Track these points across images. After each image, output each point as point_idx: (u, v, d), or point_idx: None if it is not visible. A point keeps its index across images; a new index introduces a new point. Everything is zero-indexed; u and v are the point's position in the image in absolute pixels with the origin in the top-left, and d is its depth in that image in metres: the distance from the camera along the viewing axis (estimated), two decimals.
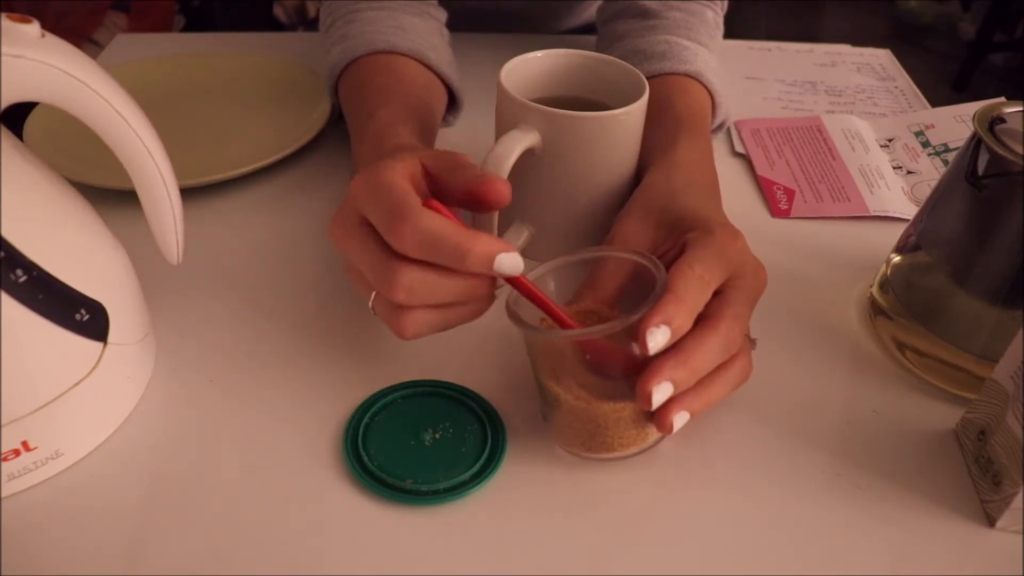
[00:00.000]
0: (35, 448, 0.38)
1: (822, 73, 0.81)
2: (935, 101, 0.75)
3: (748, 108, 0.74)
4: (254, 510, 0.38)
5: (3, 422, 0.36)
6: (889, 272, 0.50)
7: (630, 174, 0.52)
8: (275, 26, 1.74)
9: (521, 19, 0.86)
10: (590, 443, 0.39)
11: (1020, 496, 0.37)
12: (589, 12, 0.88)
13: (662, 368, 0.36)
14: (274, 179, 0.61)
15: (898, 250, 0.50)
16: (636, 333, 0.36)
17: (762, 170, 0.65)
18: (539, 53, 0.52)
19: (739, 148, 0.67)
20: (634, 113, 0.49)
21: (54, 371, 0.38)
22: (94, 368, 0.39)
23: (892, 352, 0.48)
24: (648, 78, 0.50)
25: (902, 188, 0.63)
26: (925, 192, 0.60)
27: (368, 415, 0.42)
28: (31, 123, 0.62)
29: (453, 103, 0.64)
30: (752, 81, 0.79)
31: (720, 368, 0.39)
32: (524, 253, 0.53)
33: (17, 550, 0.36)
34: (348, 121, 0.57)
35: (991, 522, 0.39)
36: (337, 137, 0.65)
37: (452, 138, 0.65)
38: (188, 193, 0.51)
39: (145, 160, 0.39)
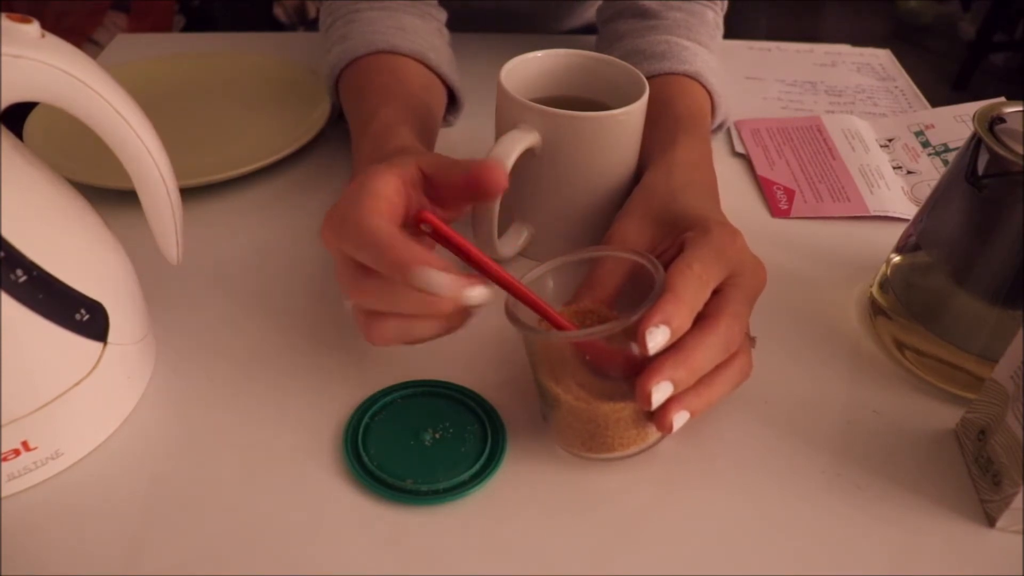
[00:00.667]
0: (35, 448, 0.38)
1: (822, 73, 0.81)
2: (935, 101, 0.75)
3: (748, 108, 0.74)
4: (254, 510, 0.38)
5: (3, 422, 0.36)
6: (889, 272, 0.50)
7: (630, 174, 0.52)
8: (275, 26, 1.74)
9: (521, 19, 0.86)
10: (590, 443, 0.39)
11: (1020, 496, 0.37)
12: (589, 12, 0.88)
13: (662, 368, 0.36)
14: (274, 179, 0.61)
15: (898, 250, 0.50)
16: (635, 333, 0.36)
17: (762, 170, 0.65)
18: (539, 53, 0.53)
19: (739, 148, 0.67)
20: (634, 113, 0.49)
21: (54, 371, 0.38)
22: (94, 368, 0.39)
23: (892, 352, 0.48)
24: (648, 78, 0.50)
25: (902, 188, 0.63)
26: (925, 192, 0.60)
27: (368, 415, 0.42)
28: (31, 123, 0.62)
29: (453, 103, 0.64)
30: (752, 81, 0.79)
31: (720, 367, 0.39)
32: (524, 253, 0.53)
33: (17, 550, 0.36)
34: (349, 121, 0.57)
35: (991, 522, 0.39)
36: (337, 137, 0.65)
37: (452, 138, 0.65)
38: (188, 193, 0.51)
39: (145, 160, 0.39)
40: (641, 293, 0.38)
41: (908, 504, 0.40)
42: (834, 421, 0.44)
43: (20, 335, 0.36)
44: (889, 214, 0.60)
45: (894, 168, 0.65)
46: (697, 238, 0.40)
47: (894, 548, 0.38)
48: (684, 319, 0.36)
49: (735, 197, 0.59)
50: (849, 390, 0.46)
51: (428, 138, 0.53)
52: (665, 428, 0.37)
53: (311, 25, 1.76)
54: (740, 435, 0.43)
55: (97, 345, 0.39)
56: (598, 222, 0.51)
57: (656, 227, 0.44)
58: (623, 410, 0.38)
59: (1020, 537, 0.39)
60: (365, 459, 0.40)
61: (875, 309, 0.50)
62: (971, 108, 0.64)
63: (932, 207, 0.47)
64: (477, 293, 0.35)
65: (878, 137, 0.69)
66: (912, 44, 2.74)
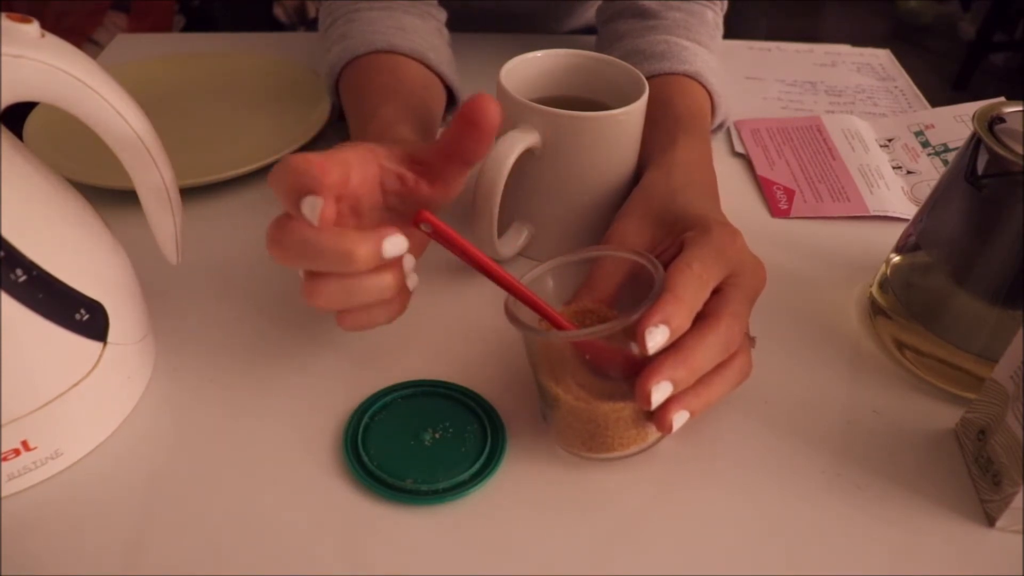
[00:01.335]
0: (35, 448, 0.38)
1: (822, 73, 0.81)
2: (935, 101, 0.75)
3: (748, 108, 0.74)
4: (254, 510, 0.38)
5: (3, 422, 0.36)
6: (889, 272, 0.50)
7: (630, 174, 0.52)
8: (275, 26, 1.74)
9: (522, 19, 0.86)
10: (590, 443, 0.39)
11: (1020, 496, 0.37)
12: (590, 13, 0.88)
13: (661, 367, 0.36)
14: None
15: (898, 250, 0.50)
16: (635, 333, 0.36)
17: (762, 170, 0.65)
18: (539, 53, 0.53)
19: (739, 148, 0.67)
20: (634, 113, 0.49)
21: (54, 371, 0.38)
22: (94, 368, 0.39)
23: (892, 352, 0.48)
24: (648, 78, 0.50)
25: (902, 188, 0.63)
26: (925, 192, 0.60)
27: (368, 415, 0.42)
28: (31, 123, 0.63)
29: (453, 103, 0.64)
30: (752, 81, 0.79)
31: (719, 367, 0.39)
32: (524, 253, 0.53)
33: (17, 550, 0.36)
34: (348, 120, 0.57)
35: (991, 522, 0.39)
36: (337, 137, 0.65)
37: None
38: (188, 193, 0.51)
39: (145, 160, 0.39)
40: (641, 293, 0.38)
41: (908, 504, 0.40)
42: (834, 421, 0.44)
43: (20, 335, 0.36)
44: (889, 214, 0.60)
45: (894, 168, 0.65)
46: (697, 238, 0.40)
47: (894, 548, 0.38)
48: (684, 319, 0.36)
49: (735, 197, 0.59)
50: (849, 390, 0.46)
51: (427, 137, 0.53)
52: (665, 428, 0.37)
53: (311, 25, 1.76)
54: (740, 435, 0.43)
55: (97, 345, 0.39)
56: (598, 222, 0.51)
57: (656, 227, 0.44)
58: (623, 410, 0.38)
59: (1020, 537, 0.39)
60: (365, 459, 0.40)
61: (875, 309, 0.50)
62: (971, 108, 0.64)
63: (932, 207, 0.47)
64: (391, 243, 0.36)
65: (878, 137, 0.69)
66: (912, 44, 2.74)
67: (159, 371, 0.45)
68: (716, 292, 0.39)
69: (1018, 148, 0.41)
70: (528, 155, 0.47)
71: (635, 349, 0.36)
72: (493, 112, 0.38)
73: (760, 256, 0.42)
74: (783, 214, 0.60)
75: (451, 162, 0.41)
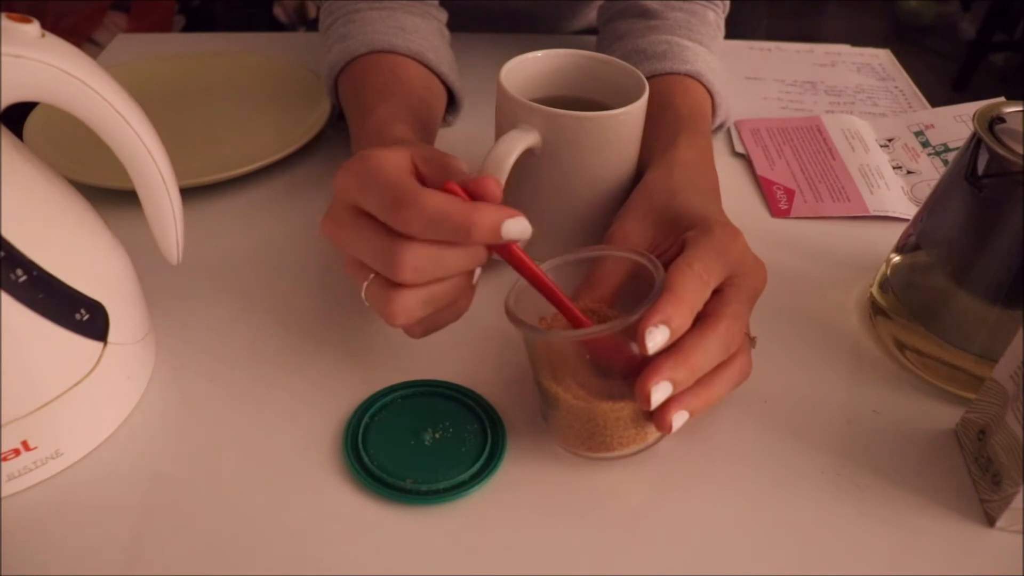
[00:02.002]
0: (35, 448, 0.38)
1: (822, 73, 0.81)
2: (935, 101, 0.75)
3: (748, 108, 0.74)
4: (254, 510, 0.38)
5: (3, 422, 0.36)
6: (889, 272, 0.50)
7: (630, 174, 0.52)
8: (275, 26, 1.74)
9: (523, 19, 0.86)
10: (590, 443, 0.39)
11: (1020, 496, 0.37)
12: (592, 15, 0.88)
13: (661, 367, 0.36)
14: (274, 179, 0.61)
15: (898, 250, 0.50)
16: (635, 333, 0.36)
17: (762, 170, 0.65)
18: (539, 53, 0.52)
19: (739, 148, 0.67)
20: (634, 113, 0.49)
21: (54, 371, 0.38)
22: (94, 368, 0.39)
23: (892, 352, 0.48)
24: (648, 78, 0.50)
25: (902, 188, 0.63)
26: (925, 192, 0.60)
27: (368, 415, 0.42)
28: (31, 123, 0.63)
29: (453, 103, 0.64)
30: (752, 81, 0.79)
31: (719, 367, 0.39)
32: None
33: (17, 550, 0.36)
34: (348, 120, 0.57)
35: (991, 522, 0.39)
36: (337, 137, 0.65)
37: (452, 138, 0.65)
38: (188, 193, 0.51)
39: (145, 160, 0.39)
40: (642, 293, 0.38)
41: (908, 504, 0.40)
42: (834, 421, 0.44)
43: (20, 335, 0.36)
44: (889, 214, 0.60)
45: (894, 168, 0.65)
46: (698, 238, 0.40)
47: (894, 548, 0.38)
48: (684, 319, 0.36)
49: (735, 197, 0.59)
50: (849, 390, 0.46)
51: (427, 136, 0.53)
52: (664, 428, 0.37)
53: (311, 25, 1.76)
54: (740, 435, 0.43)
55: (97, 345, 0.39)
56: (598, 222, 0.51)
57: (657, 227, 0.44)
58: (622, 409, 0.38)
59: (1020, 537, 0.39)
60: (365, 459, 0.40)
61: (875, 309, 0.50)
62: (971, 108, 0.64)
63: (932, 207, 0.47)
64: (515, 225, 0.36)
65: (878, 137, 0.69)
66: (912, 44, 2.74)
67: (159, 371, 0.45)
68: (717, 292, 0.39)
69: (1018, 148, 0.41)
70: (528, 155, 0.47)
71: (635, 349, 0.36)
72: (496, 194, 0.38)
73: (760, 256, 0.42)
74: (783, 214, 0.60)
75: None
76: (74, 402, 0.39)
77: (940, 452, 0.43)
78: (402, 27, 0.60)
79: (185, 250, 0.43)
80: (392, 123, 0.49)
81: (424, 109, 0.54)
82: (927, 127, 0.69)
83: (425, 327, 0.41)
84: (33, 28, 0.35)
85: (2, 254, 0.34)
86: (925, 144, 0.67)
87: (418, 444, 0.41)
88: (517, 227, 0.37)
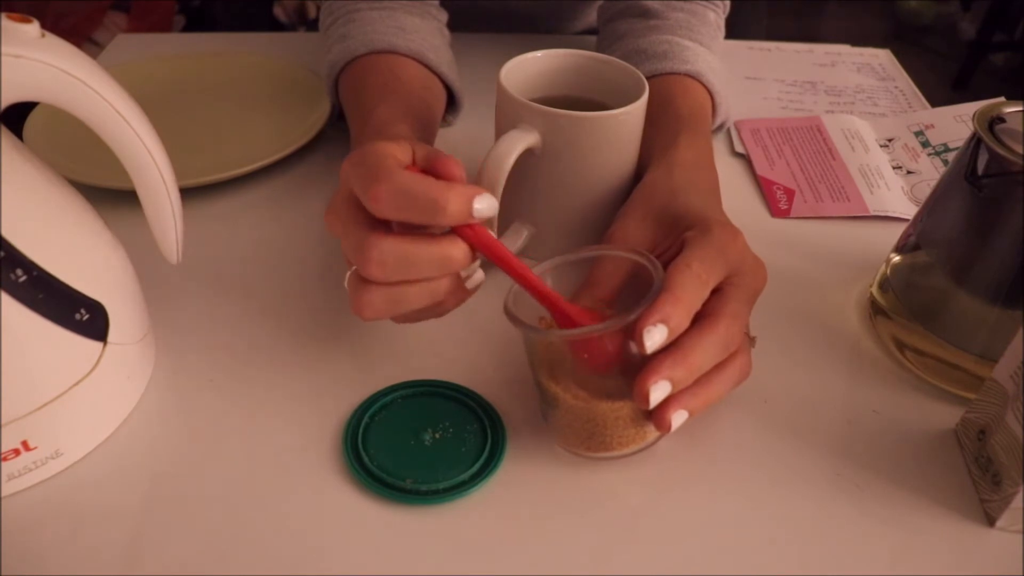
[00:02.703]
0: (35, 448, 0.38)
1: (822, 73, 0.81)
2: (935, 101, 0.75)
3: (748, 108, 0.73)
4: (254, 510, 0.38)
5: (3, 422, 0.36)
6: (889, 272, 0.50)
7: (630, 174, 0.52)
8: (275, 26, 1.74)
9: (524, 20, 0.86)
10: (589, 442, 0.39)
11: (1020, 496, 0.37)
12: (592, 16, 0.88)
13: (660, 367, 0.36)
14: (274, 179, 0.61)
15: (898, 250, 0.50)
16: (634, 332, 0.36)
17: (762, 170, 0.65)
18: (539, 53, 0.52)
19: (739, 148, 0.67)
20: (634, 113, 0.49)
21: (54, 371, 0.38)
22: (94, 368, 0.39)
23: (892, 352, 0.48)
24: (648, 78, 0.50)
25: (902, 188, 0.63)
26: (925, 192, 0.60)
27: (368, 415, 0.42)
28: (31, 123, 0.63)
29: (453, 103, 0.64)
30: (752, 81, 0.79)
31: (719, 366, 0.39)
32: (524, 253, 0.53)
33: (17, 550, 0.36)
34: (348, 120, 0.57)
35: (991, 522, 0.39)
36: (337, 137, 0.65)
37: (452, 138, 0.65)
38: (188, 193, 0.51)
39: (145, 160, 0.39)
40: (641, 293, 0.38)
41: (908, 504, 0.40)
42: (834, 421, 0.44)
43: (20, 335, 0.36)
44: (889, 214, 0.60)
45: (894, 168, 0.65)
46: (697, 237, 0.40)
47: (894, 548, 0.38)
48: (682, 318, 0.36)
49: (735, 197, 0.59)
50: (849, 390, 0.46)
51: (427, 136, 0.53)
52: (664, 427, 0.37)
53: (311, 25, 1.76)
54: (739, 435, 0.43)
55: (97, 345, 0.39)
56: (598, 222, 0.51)
57: (657, 226, 0.44)
58: (622, 409, 0.38)
59: (1020, 537, 0.39)
60: (365, 459, 0.40)
61: (875, 309, 0.50)
62: (971, 108, 0.64)
63: (932, 207, 0.47)
64: (484, 201, 0.36)
65: (878, 137, 0.69)
66: (912, 44, 2.74)
67: (159, 371, 0.45)
68: (716, 292, 0.39)
69: (1018, 148, 0.41)
70: (528, 155, 0.47)
71: (634, 348, 0.36)
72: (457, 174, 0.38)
73: (760, 256, 0.42)
74: (783, 214, 0.60)
75: None
76: (74, 402, 0.39)
77: (940, 452, 0.43)
78: (402, 27, 0.60)
79: (185, 250, 0.43)
80: (393, 123, 0.49)
81: (424, 109, 0.54)
82: (927, 127, 0.69)
83: (403, 319, 0.41)
84: (33, 28, 0.35)
85: (2, 254, 0.34)
86: (925, 144, 0.67)
87: (418, 444, 0.41)
88: (485, 203, 0.37)
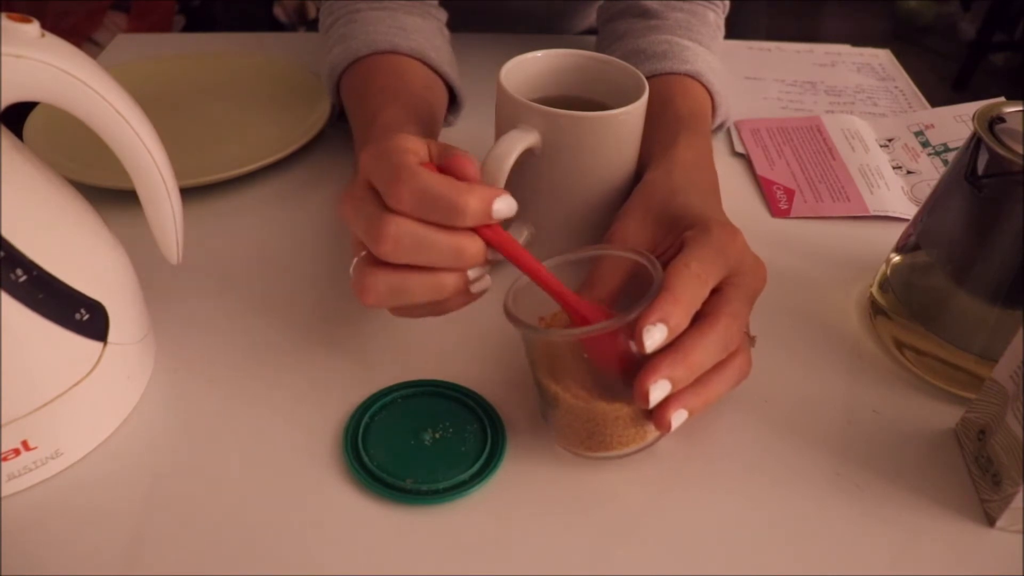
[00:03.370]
0: (35, 448, 0.38)
1: (822, 73, 0.81)
2: (935, 101, 0.75)
3: (748, 108, 0.74)
4: (254, 510, 0.38)
5: (3, 422, 0.36)
6: (889, 272, 0.50)
7: (630, 174, 0.52)
8: (275, 26, 1.74)
9: (523, 20, 0.86)
10: (589, 442, 0.39)
11: (1020, 496, 0.37)
12: (592, 17, 0.88)
13: (659, 366, 0.36)
14: (274, 179, 0.61)
15: (898, 250, 0.50)
16: (633, 331, 0.36)
17: (762, 170, 0.65)
18: (539, 53, 0.52)
19: (739, 148, 0.67)
20: (634, 113, 0.49)
21: (54, 371, 0.38)
22: (94, 368, 0.39)
23: (892, 352, 0.48)
24: (648, 78, 0.50)
25: (902, 188, 0.63)
26: (925, 192, 0.60)
27: (368, 415, 0.42)
28: (31, 123, 0.63)
29: (453, 103, 0.64)
30: (752, 81, 0.79)
31: (718, 366, 0.39)
32: None
33: (17, 550, 0.36)
34: (351, 121, 0.57)
35: (991, 522, 0.39)
36: (337, 138, 0.65)
37: (452, 138, 0.64)
38: (188, 193, 0.51)
39: (145, 160, 0.39)
40: (641, 292, 0.38)
41: (908, 504, 0.40)
42: (834, 421, 0.44)
43: (20, 335, 0.36)
44: (889, 214, 0.60)
45: (894, 168, 0.65)
46: (697, 237, 0.40)
47: (894, 548, 0.38)
48: (681, 317, 0.36)
49: (735, 197, 0.59)
50: (849, 390, 0.46)
51: (431, 136, 0.53)
52: (663, 427, 0.37)
53: (311, 25, 1.76)
54: (740, 435, 0.43)
55: (97, 345, 0.39)
56: (598, 222, 0.51)
57: (656, 226, 0.44)
58: (621, 409, 0.38)
59: (1020, 537, 0.39)
60: (365, 459, 0.40)
61: (875, 309, 0.50)
62: (971, 108, 0.64)
63: (932, 207, 0.47)
64: (503, 203, 0.37)
65: (878, 137, 0.69)
66: (912, 44, 2.74)
67: (159, 371, 0.45)
68: (716, 291, 0.39)
69: (1018, 148, 0.41)
70: (528, 155, 0.47)
71: (634, 348, 0.36)
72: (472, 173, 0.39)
73: (760, 256, 0.42)
74: (783, 214, 0.60)
75: None
76: (74, 402, 0.39)
77: (940, 452, 0.43)
78: (403, 27, 0.60)
79: (185, 250, 0.43)
80: (399, 125, 0.49)
81: (427, 109, 0.54)
82: (927, 127, 0.69)
83: (403, 312, 0.41)
84: (33, 28, 0.35)
85: (2, 254, 0.34)
86: (925, 144, 0.67)
87: (418, 444, 0.41)
88: (505, 204, 0.37)
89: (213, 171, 0.58)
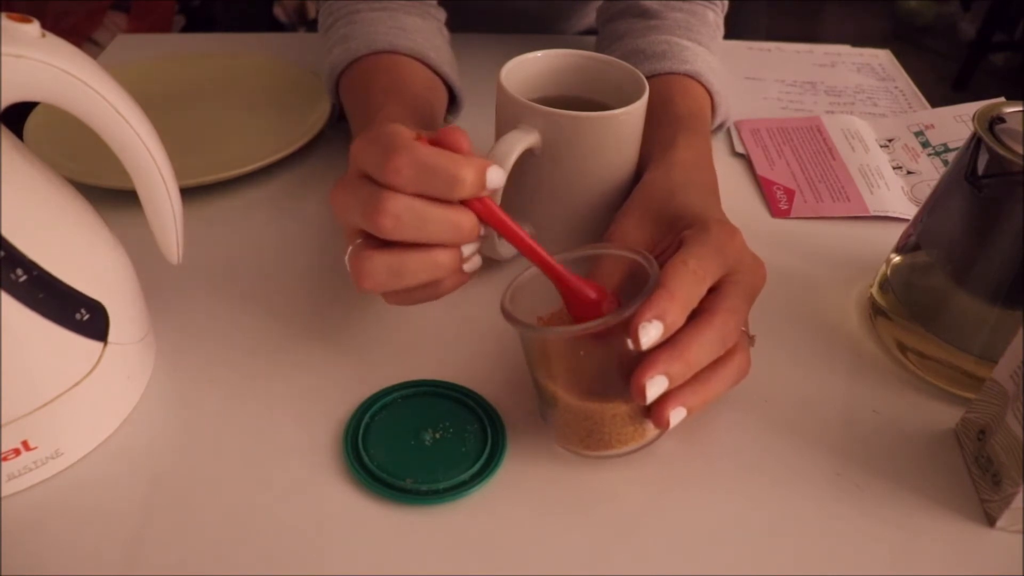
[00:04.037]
0: (35, 448, 0.38)
1: (822, 73, 0.81)
2: (935, 101, 0.75)
3: (748, 108, 0.74)
4: (254, 510, 0.38)
5: (3, 422, 0.36)
6: (889, 272, 0.50)
7: (630, 174, 0.52)
8: (275, 26, 1.74)
9: (523, 20, 0.86)
10: (588, 441, 0.39)
11: (1020, 496, 0.37)
12: (591, 17, 0.88)
13: (656, 361, 0.36)
14: (274, 179, 0.61)
15: (898, 250, 0.50)
16: (629, 328, 0.36)
17: (762, 170, 0.65)
18: (539, 53, 0.53)
19: (739, 148, 0.67)
20: (634, 113, 0.49)
21: (54, 371, 0.38)
22: (94, 368, 0.39)
23: (892, 352, 0.48)
24: (648, 78, 0.50)
25: (902, 188, 0.63)
26: (925, 192, 0.60)
27: (368, 415, 0.42)
28: (31, 123, 0.62)
29: (453, 103, 0.64)
30: (752, 81, 0.79)
31: (717, 364, 0.39)
32: None
33: (17, 550, 0.36)
34: (350, 121, 0.57)
35: (991, 522, 0.39)
36: (337, 137, 0.65)
37: None
38: (188, 193, 0.51)
39: (145, 160, 0.39)
40: (639, 291, 0.38)
41: (908, 504, 0.40)
42: (834, 421, 0.44)
43: (20, 335, 0.36)
44: (889, 214, 0.60)
45: (894, 168, 0.65)
46: (694, 235, 0.40)
47: (894, 548, 0.38)
48: (677, 314, 0.36)
49: (735, 197, 0.59)
50: (849, 390, 0.46)
51: None
52: (662, 424, 0.37)
53: (311, 25, 1.76)
54: (739, 435, 0.43)
55: (97, 345, 0.39)
56: (598, 221, 0.51)
57: (656, 225, 0.44)
58: (620, 407, 0.38)
59: (1020, 537, 0.39)
60: (365, 459, 0.40)
61: (875, 309, 0.50)
62: (971, 108, 0.64)
63: (932, 207, 0.47)
64: (495, 173, 0.38)
65: (878, 137, 0.69)
66: (912, 44, 2.74)
67: (159, 371, 0.45)
68: (714, 289, 0.39)
69: (1018, 148, 0.41)
70: (528, 155, 0.47)
71: (631, 345, 0.36)
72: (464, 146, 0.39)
73: (760, 256, 0.42)
74: (783, 214, 0.60)
75: None
76: (74, 402, 0.39)
77: (940, 452, 0.43)
78: (403, 27, 0.60)
79: (185, 250, 0.43)
80: (398, 122, 0.49)
81: (427, 109, 0.54)
82: (927, 127, 0.69)
83: (400, 298, 0.41)
84: (33, 28, 0.35)
85: (2, 254, 0.34)
86: (925, 144, 0.67)
87: (418, 444, 0.41)
88: (496, 174, 0.38)
89: (213, 171, 0.58)
